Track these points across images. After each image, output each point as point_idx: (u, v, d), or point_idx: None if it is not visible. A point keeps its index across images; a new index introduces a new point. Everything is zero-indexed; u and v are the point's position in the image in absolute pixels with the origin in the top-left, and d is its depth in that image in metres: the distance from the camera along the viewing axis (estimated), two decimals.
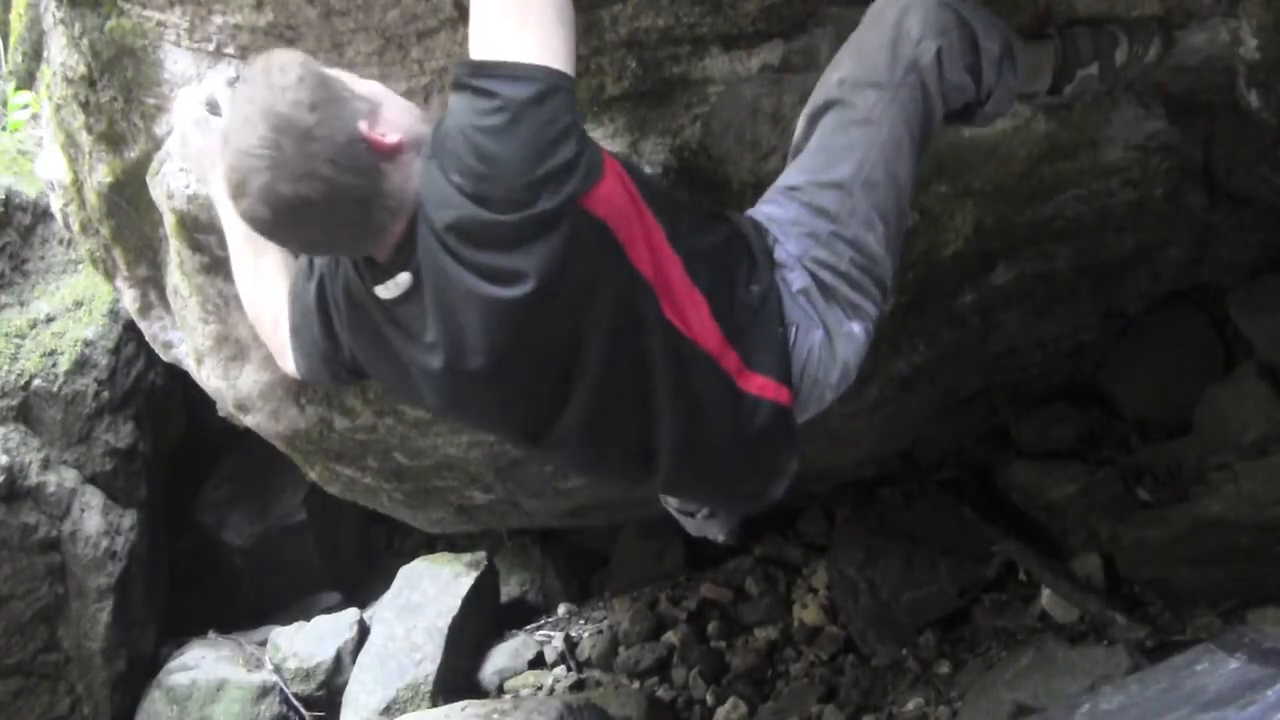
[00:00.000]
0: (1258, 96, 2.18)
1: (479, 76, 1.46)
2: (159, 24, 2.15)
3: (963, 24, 1.76)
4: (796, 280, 1.73)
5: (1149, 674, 2.42)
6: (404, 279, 1.57)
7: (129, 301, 3.06)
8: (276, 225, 1.52)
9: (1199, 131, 2.48)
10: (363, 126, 1.49)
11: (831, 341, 1.75)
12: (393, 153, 1.52)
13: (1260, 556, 2.95)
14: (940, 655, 3.54)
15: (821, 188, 1.76)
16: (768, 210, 1.81)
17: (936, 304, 2.82)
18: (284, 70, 1.49)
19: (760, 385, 1.70)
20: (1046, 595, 3.40)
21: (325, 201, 1.48)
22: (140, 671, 4.11)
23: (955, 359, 3.08)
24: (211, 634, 4.40)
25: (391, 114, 1.55)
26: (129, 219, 2.72)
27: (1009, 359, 3.22)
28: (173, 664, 4.17)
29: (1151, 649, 2.98)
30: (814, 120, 1.81)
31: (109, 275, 3.04)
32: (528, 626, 4.47)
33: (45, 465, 3.82)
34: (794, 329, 1.73)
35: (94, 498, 3.95)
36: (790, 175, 1.83)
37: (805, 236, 1.75)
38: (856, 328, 1.79)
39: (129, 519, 4.06)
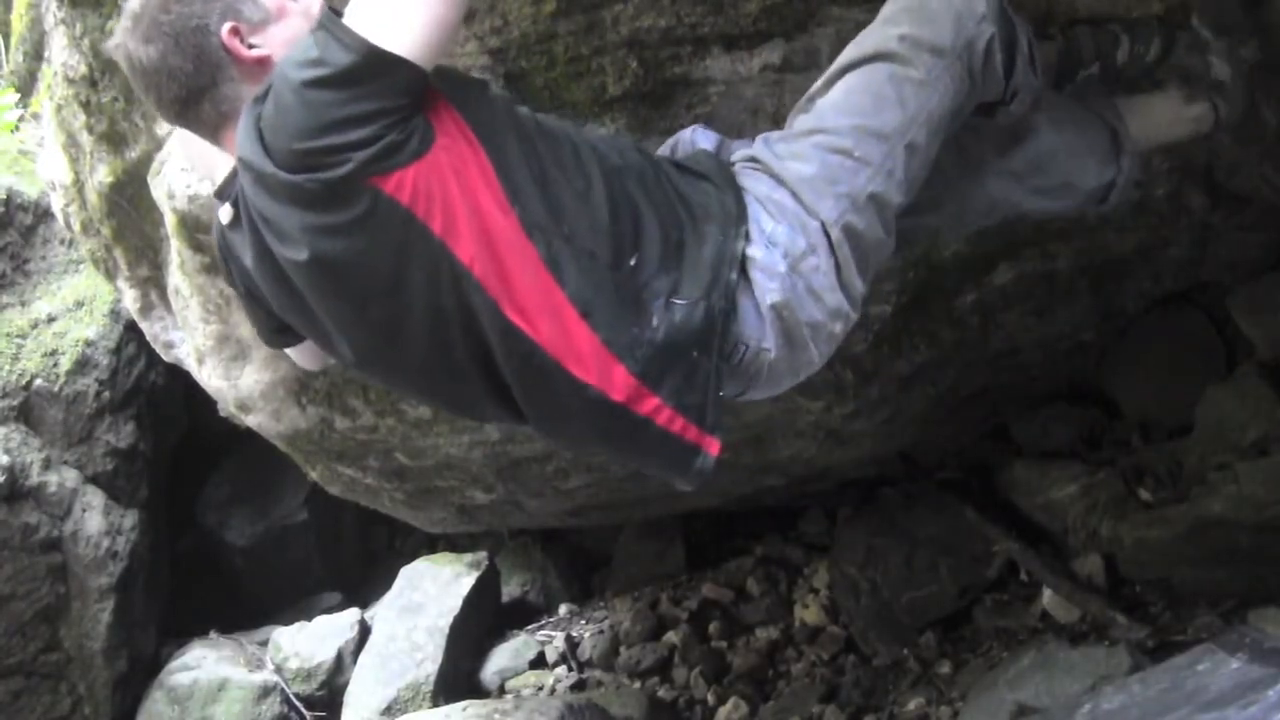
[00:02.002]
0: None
1: (322, 28, 1.40)
2: None
3: (1007, 17, 1.70)
4: (773, 291, 1.52)
5: (1150, 674, 2.42)
6: (228, 208, 1.55)
7: (130, 301, 3.06)
8: (130, 75, 1.55)
9: None
10: (225, 25, 1.47)
11: (794, 354, 1.58)
12: (247, 62, 1.49)
13: (1260, 556, 2.94)
14: (941, 655, 3.54)
15: (867, 135, 1.57)
16: (792, 168, 1.58)
17: (936, 304, 2.82)
18: None
19: (655, 408, 1.51)
20: (1047, 595, 3.40)
21: (154, 71, 1.49)
22: (141, 671, 4.12)
23: (955, 359, 3.08)
24: (212, 634, 4.41)
25: (283, 32, 1.51)
26: (130, 219, 2.72)
27: (1009, 359, 3.22)
28: (174, 664, 4.18)
29: (1152, 649, 2.98)
30: (848, 70, 1.64)
31: (110, 275, 3.04)
32: (529, 626, 4.47)
33: (46, 465, 3.82)
34: (741, 349, 1.54)
35: (95, 498, 3.95)
36: (820, 116, 1.62)
37: (843, 199, 1.55)
38: (839, 328, 1.60)
39: (130, 519, 4.07)
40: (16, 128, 4.02)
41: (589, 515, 3.89)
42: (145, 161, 2.50)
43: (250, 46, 1.49)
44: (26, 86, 3.48)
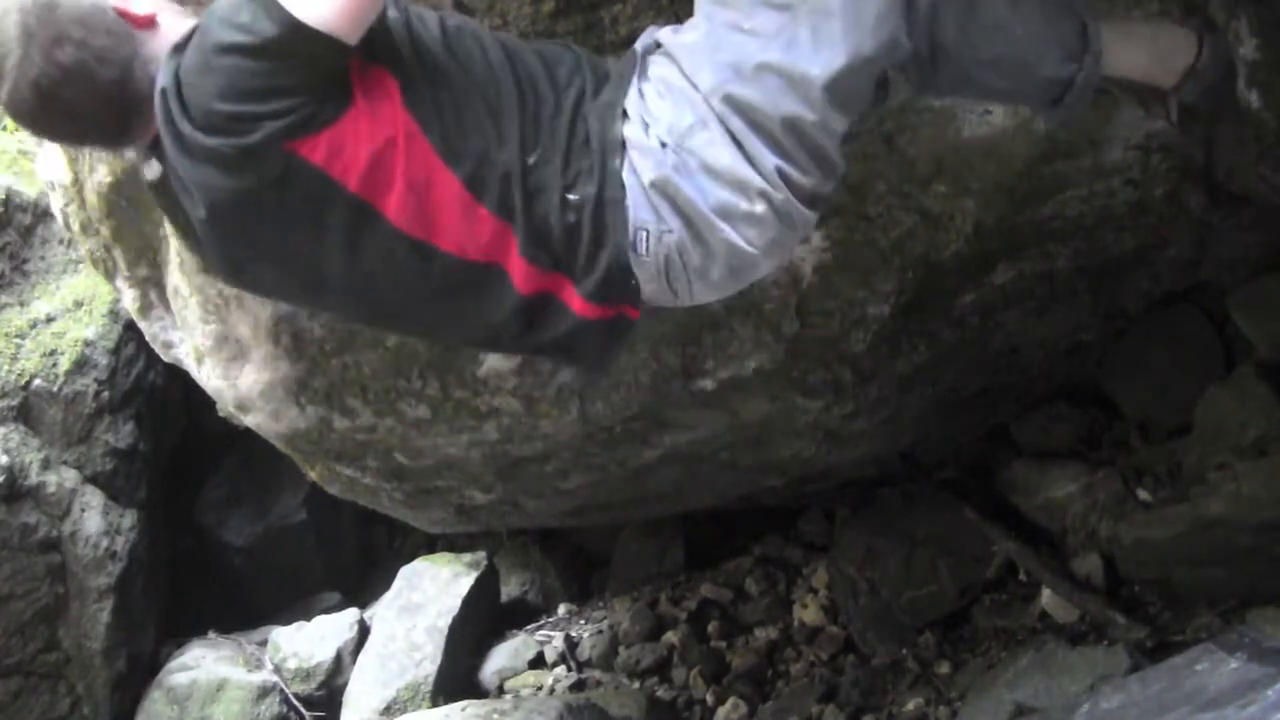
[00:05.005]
0: (1258, 96, 2.17)
1: None
2: None
3: None
4: (651, 168, 1.49)
5: (1149, 674, 2.42)
6: (155, 165, 1.54)
7: (129, 301, 3.06)
8: (41, 107, 1.47)
9: (1199, 131, 2.48)
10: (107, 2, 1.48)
11: (702, 236, 1.51)
12: (144, 23, 1.49)
13: (1260, 556, 2.94)
14: (940, 655, 3.54)
15: (761, 5, 1.47)
16: (679, 40, 1.53)
17: (936, 304, 2.82)
18: None
19: (584, 307, 1.57)
20: (1046, 595, 3.40)
21: (81, 64, 1.44)
22: (140, 671, 4.12)
23: (955, 359, 3.08)
24: (211, 634, 4.41)
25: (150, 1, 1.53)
26: (129, 219, 2.72)
27: (1009, 359, 3.22)
28: (173, 664, 4.18)
29: (1151, 649, 2.98)
30: None
31: (109, 275, 3.04)
32: (528, 626, 4.47)
33: (45, 465, 3.83)
34: (641, 235, 1.52)
35: (94, 498, 3.95)
36: None
37: (724, 67, 1.47)
38: (759, 207, 1.50)
39: (129, 519, 4.07)
40: (16, 127, 4.02)
41: (588, 515, 3.88)
42: None
43: (135, 9, 1.50)
44: None
